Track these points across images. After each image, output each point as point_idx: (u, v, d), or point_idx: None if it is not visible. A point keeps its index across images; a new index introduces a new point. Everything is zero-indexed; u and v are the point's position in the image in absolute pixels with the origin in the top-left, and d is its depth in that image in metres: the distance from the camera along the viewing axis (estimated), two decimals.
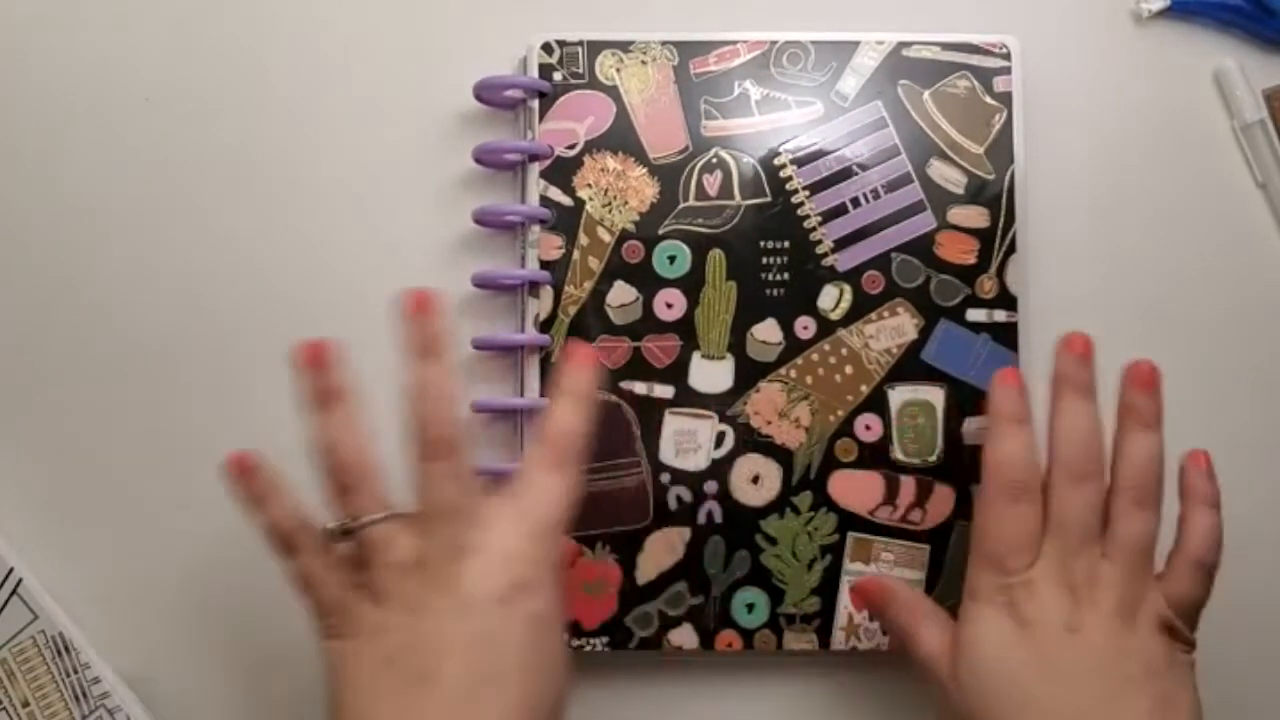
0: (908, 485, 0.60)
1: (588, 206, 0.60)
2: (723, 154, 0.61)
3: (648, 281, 0.60)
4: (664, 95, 0.61)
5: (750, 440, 0.60)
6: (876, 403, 0.60)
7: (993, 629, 0.52)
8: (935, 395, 0.60)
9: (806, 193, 0.61)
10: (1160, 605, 0.52)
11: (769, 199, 0.60)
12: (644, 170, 0.60)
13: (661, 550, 0.59)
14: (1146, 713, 0.50)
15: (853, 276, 0.60)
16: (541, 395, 0.60)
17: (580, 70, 0.61)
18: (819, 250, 0.60)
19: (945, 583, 0.59)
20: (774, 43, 0.61)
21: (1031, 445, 0.54)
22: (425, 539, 0.50)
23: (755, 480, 0.60)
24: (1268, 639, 0.62)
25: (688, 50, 0.61)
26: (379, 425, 0.61)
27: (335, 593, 0.51)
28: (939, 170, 0.61)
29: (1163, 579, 0.53)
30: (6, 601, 0.59)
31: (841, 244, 0.60)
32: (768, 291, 0.60)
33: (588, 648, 0.59)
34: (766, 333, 0.60)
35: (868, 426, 0.60)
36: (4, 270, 0.62)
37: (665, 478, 0.60)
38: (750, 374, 0.60)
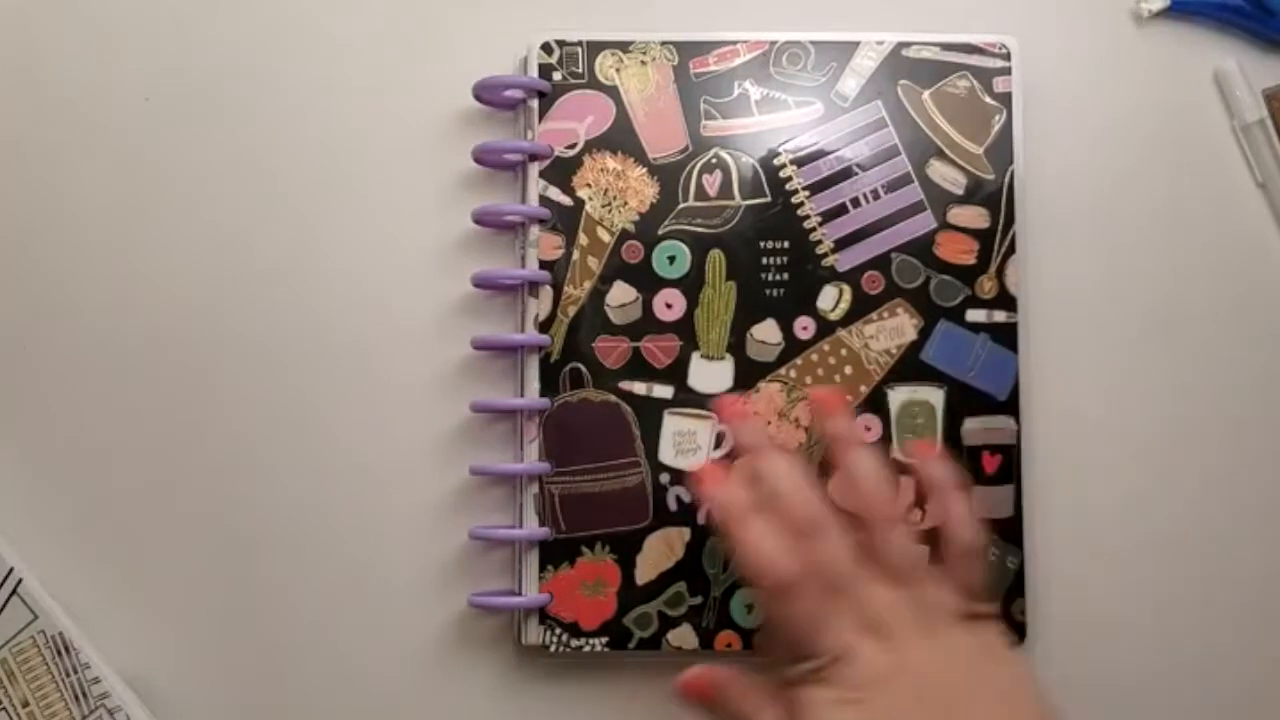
0: (907, 485, 0.60)
1: (587, 206, 0.60)
2: (722, 154, 0.61)
3: (647, 282, 0.60)
4: (663, 95, 0.61)
5: None
6: (876, 403, 0.60)
7: (830, 712, 0.50)
8: (935, 396, 0.60)
9: (806, 193, 0.61)
10: (952, 601, 0.52)
11: (769, 199, 0.60)
12: (643, 170, 0.60)
13: (661, 550, 0.59)
14: (994, 702, 0.50)
15: (852, 277, 0.60)
16: (542, 395, 0.60)
17: (580, 70, 0.61)
18: (819, 250, 0.60)
19: None
20: (774, 43, 0.61)
21: (771, 527, 0.52)
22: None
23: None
24: (1270, 630, 0.62)
25: (687, 50, 0.61)
26: (382, 419, 0.61)
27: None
28: (939, 170, 0.61)
29: (944, 574, 0.53)
30: (6, 601, 0.59)
31: (841, 244, 0.60)
32: (767, 292, 0.60)
33: (587, 648, 0.59)
34: (766, 333, 0.60)
35: (867, 427, 0.60)
36: (3, 270, 0.62)
37: (665, 478, 0.60)
38: (750, 374, 0.60)
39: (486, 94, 0.61)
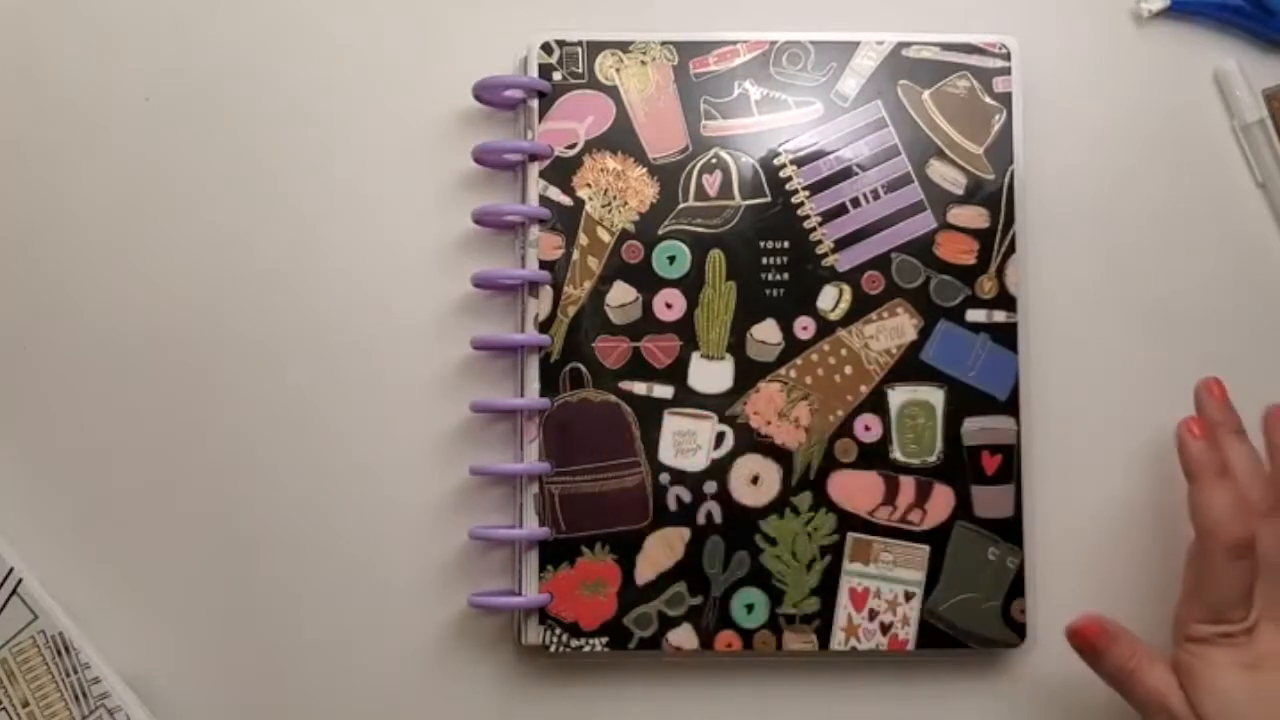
0: (907, 486, 0.60)
1: (587, 206, 0.60)
2: (722, 154, 0.61)
3: (647, 282, 0.60)
4: (664, 95, 0.61)
5: (750, 440, 0.60)
6: (876, 403, 0.60)
7: (1228, 672, 0.54)
8: (935, 396, 0.60)
9: (806, 193, 0.61)
10: None
11: (769, 199, 0.60)
12: (644, 170, 0.60)
13: (661, 551, 0.59)
14: None
15: (852, 277, 0.60)
16: (542, 395, 0.60)
17: (580, 70, 0.61)
18: (819, 250, 0.60)
19: (945, 583, 0.59)
20: (774, 43, 0.61)
21: (1236, 493, 0.55)
22: None
23: (755, 480, 0.60)
24: None
25: (687, 50, 0.61)
26: (382, 419, 0.61)
27: None
28: (939, 170, 0.61)
29: None
30: (6, 601, 0.59)
31: (841, 244, 0.60)
32: (767, 292, 0.60)
33: (587, 648, 0.59)
34: (766, 333, 0.60)
35: (867, 427, 0.60)
36: (3, 270, 0.62)
37: (665, 478, 0.60)
38: (750, 374, 0.60)
39: (486, 94, 0.61)
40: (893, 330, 0.60)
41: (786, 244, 0.60)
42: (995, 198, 0.61)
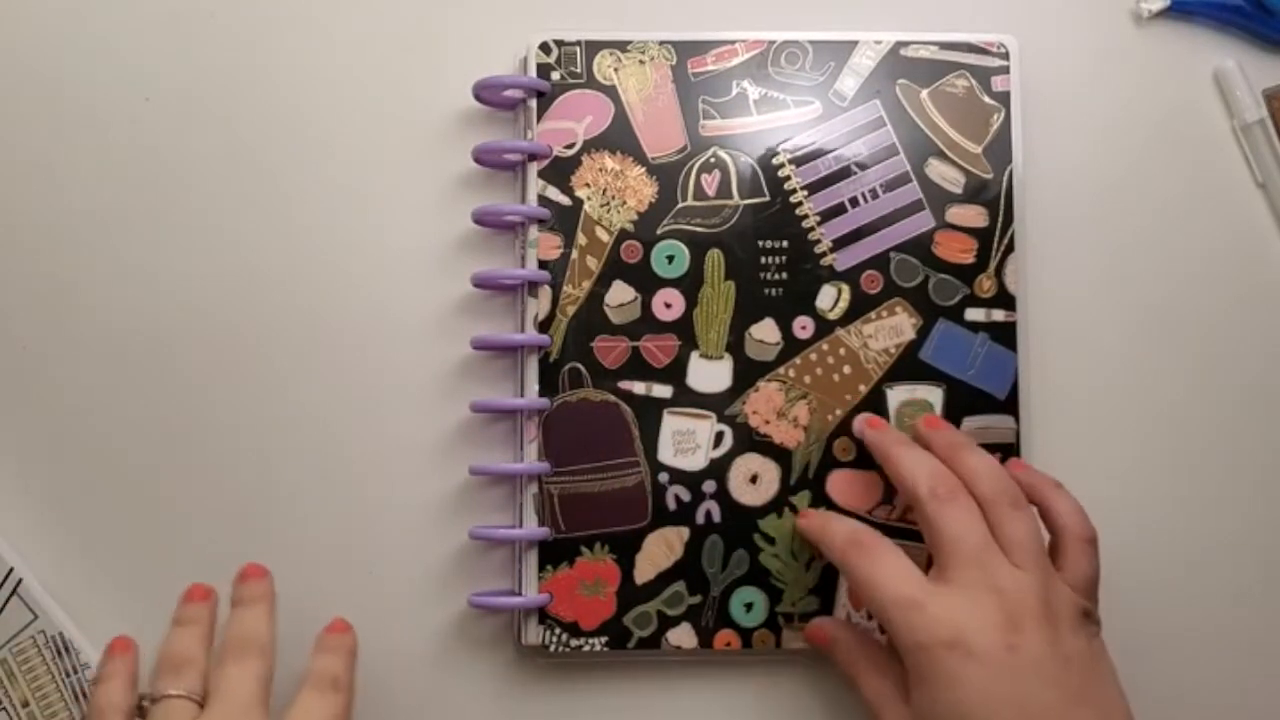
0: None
1: (586, 206, 0.60)
2: (721, 154, 0.61)
3: (646, 281, 0.60)
4: (662, 95, 0.61)
5: (749, 440, 0.60)
6: (875, 402, 0.60)
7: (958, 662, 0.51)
8: (933, 395, 0.60)
9: (805, 192, 0.61)
10: (1071, 596, 0.53)
11: (767, 199, 0.60)
12: (642, 170, 0.60)
13: (660, 550, 0.59)
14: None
15: (851, 276, 0.60)
16: (542, 395, 0.60)
17: (578, 70, 0.61)
18: (817, 250, 0.60)
19: None
20: (772, 42, 0.61)
21: (932, 457, 0.56)
22: None
23: (754, 480, 0.60)
24: (1268, 630, 0.62)
25: (686, 50, 0.61)
26: (382, 419, 0.61)
27: None
28: (937, 170, 0.61)
29: (1060, 570, 0.54)
30: (6, 601, 0.59)
31: (840, 243, 0.60)
32: (766, 291, 0.60)
33: (587, 648, 0.59)
34: (765, 332, 0.60)
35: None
36: (3, 270, 0.62)
37: (664, 477, 0.60)
38: (749, 374, 0.60)
39: (486, 94, 0.61)
40: (891, 329, 0.60)
41: (785, 243, 0.60)
42: (994, 197, 0.61)
